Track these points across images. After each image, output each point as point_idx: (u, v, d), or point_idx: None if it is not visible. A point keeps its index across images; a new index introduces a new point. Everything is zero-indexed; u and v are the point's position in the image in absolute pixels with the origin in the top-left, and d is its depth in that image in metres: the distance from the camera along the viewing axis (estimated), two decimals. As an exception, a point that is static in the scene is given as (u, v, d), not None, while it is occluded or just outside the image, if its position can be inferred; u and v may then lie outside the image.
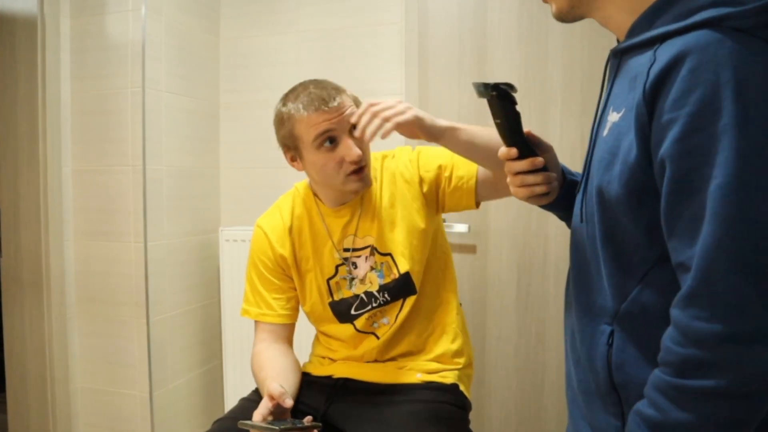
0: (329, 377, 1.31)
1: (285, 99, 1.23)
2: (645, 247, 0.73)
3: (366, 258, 1.29)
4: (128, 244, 1.92)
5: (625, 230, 0.74)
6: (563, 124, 1.93)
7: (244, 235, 2.11)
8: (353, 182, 1.20)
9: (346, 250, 1.30)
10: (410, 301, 1.29)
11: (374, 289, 1.29)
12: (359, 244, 1.30)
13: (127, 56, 1.89)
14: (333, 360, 1.36)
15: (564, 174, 1.02)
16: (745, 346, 0.62)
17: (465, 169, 1.25)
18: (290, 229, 1.32)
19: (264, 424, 1.00)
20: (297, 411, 1.21)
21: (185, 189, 2.12)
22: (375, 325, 1.31)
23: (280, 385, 1.08)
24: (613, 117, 0.76)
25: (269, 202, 2.20)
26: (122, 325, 1.95)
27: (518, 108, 0.87)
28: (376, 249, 1.29)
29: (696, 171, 0.64)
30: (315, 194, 1.33)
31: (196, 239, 2.18)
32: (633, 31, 0.76)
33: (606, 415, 0.78)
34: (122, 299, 1.94)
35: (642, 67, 0.70)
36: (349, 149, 1.17)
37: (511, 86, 0.86)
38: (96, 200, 1.96)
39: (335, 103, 1.17)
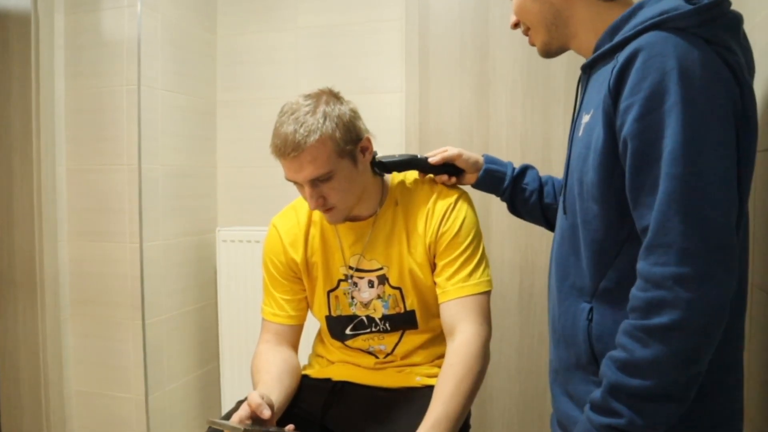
0: (327, 380, 1.30)
1: (278, 117, 1.16)
2: (616, 227, 0.83)
3: (371, 282, 1.27)
4: (123, 244, 1.90)
5: (599, 215, 0.85)
6: (566, 122, 1.90)
7: (242, 235, 2.09)
8: (324, 215, 1.22)
9: (351, 267, 1.28)
10: (411, 334, 1.29)
11: (377, 316, 1.28)
12: (365, 265, 1.27)
13: (122, 53, 1.87)
14: (331, 362, 1.35)
15: (486, 163, 1.29)
16: (696, 286, 0.72)
17: (449, 287, 1.22)
18: (306, 234, 1.30)
19: (233, 425, 0.97)
20: (294, 415, 1.20)
21: (182, 188, 2.09)
22: (371, 348, 1.31)
23: (262, 395, 1.04)
24: (585, 119, 0.89)
25: (267, 202, 2.19)
26: (117, 327, 1.93)
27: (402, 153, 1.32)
28: (387, 279, 1.26)
29: (652, 144, 0.75)
30: None
31: (193, 240, 2.15)
32: (597, 47, 0.90)
33: (587, 384, 0.87)
34: (117, 301, 1.92)
35: (606, 70, 0.83)
36: (308, 198, 1.16)
37: (381, 161, 1.27)
38: (91, 200, 1.94)
39: (291, 156, 1.10)
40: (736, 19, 0.81)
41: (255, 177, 2.24)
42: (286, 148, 1.10)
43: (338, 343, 1.34)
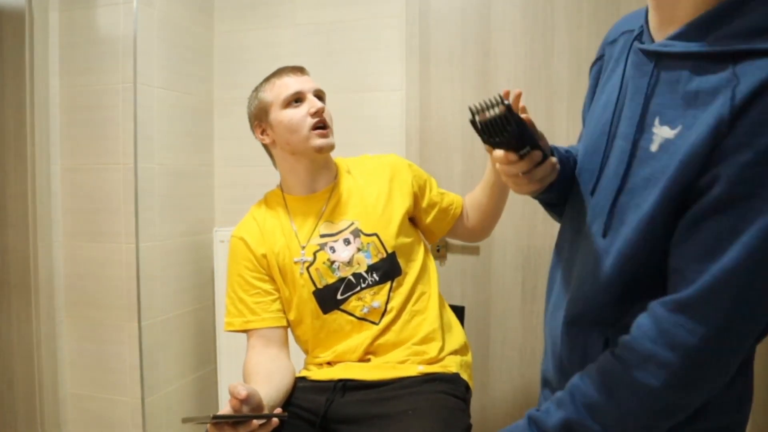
0: (329, 381, 1.28)
1: (268, 77, 1.40)
2: (663, 263, 0.73)
3: (347, 240, 1.32)
4: (119, 245, 1.88)
5: (650, 249, 0.74)
6: (569, 121, 1.87)
7: (240, 235, 2.05)
8: (317, 138, 1.31)
9: (324, 235, 1.33)
10: (398, 282, 1.32)
11: (362, 269, 1.31)
12: (334, 229, 1.34)
13: (117, 51, 1.85)
14: (330, 364, 1.34)
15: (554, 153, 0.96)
16: (708, 372, 0.67)
17: (453, 197, 1.47)
18: (263, 230, 1.36)
19: (202, 416, 0.95)
20: (296, 416, 1.20)
21: (178, 188, 2.07)
22: (365, 309, 1.30)
23: (241, 383, 1.02)
24: (663, 132, 0.73)
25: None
26: (113, 329, 1.91)
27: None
28: (360, 230, 1.33)
29: (746, 199, 0.64)
30: (282, 190, 1.41)
31: (190, 240, 2.13)
32: (684, 34, 0.71)
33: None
34: (113, 302, 1.90)
35: (712, 84, 0.67)
36: (313, 103, 1.32)
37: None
38: (86, 200, 1.92)
39: (300, 72, 1.37)
40: None
41: (253, 176, 2.21)
42: (296, 68, 1.38)
43: (337, 334, 1.31)
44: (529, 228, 1.93)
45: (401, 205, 1.37)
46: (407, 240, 1.36)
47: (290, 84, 1.33)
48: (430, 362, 1.28)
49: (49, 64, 1.87)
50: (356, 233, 1.33)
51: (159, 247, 1.97)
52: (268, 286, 1.34)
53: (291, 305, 1.34)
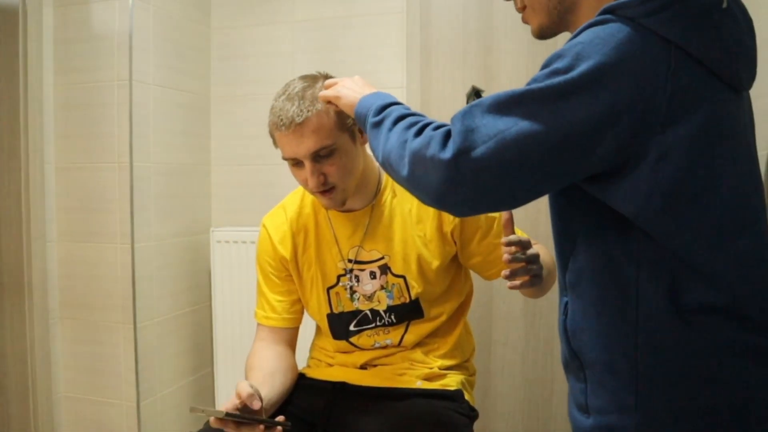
0: (327, 382, 1.27)
1: (273, 100, 1.16)
2: (566, 220, 0.82)
3: (373, 274, 1.25)
4: (114, 245, 1.86)
5: (562, 202, 0.84)
6: (573, 119, 1.84)
7: (237, 236, 2.05)
8: (322, 199, 1.19)
9: (350, 261, 1.25)
10: (416, 323, 1.27)
11: (381, 308, 1.25)
12: (365, 257, 1.25)
13: (113, 47, 1.83)
14: (330, 365, 1.33)
15: None
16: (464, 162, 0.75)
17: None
18: (294, 231, 1.28)
19: (213, 410, 0.95)
20: (293, 415, 1.17)
21: (174, 187, 2.05)
22: (377, 344, 1.28)
23: (251, 385, 1.02)
24: None
25: (263, 202, 2.13)
26: (108, 330, 1.89)
27: None
28: (389, 268, 1.24)
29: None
30: None
31: (186, 240, 2.11)
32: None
33: (576, 381, 0.85)
34: (108, 304, 1.88)
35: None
36: (306, 178, 1.13)
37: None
38: (80, 199, 1.90)
39: (293, 127, 1.09)
40: None
41: (250, 175, 2.20)
42: (287, 120, 1.08)
43: (342, 343, 1.30)
44: (531, 227, 1.91)
45: (440, 252, 1.23)
46: (440, 287, 1.26)
47: (285, 145, 1.12)
48: (430, 378, 1.26)
49: (43, 61, 1.85)
50: (384, 269, 1.24)
51: (155, 247, 1.95)
52: (290, 286, 1.30)
53: (310, 304, 1.30)
